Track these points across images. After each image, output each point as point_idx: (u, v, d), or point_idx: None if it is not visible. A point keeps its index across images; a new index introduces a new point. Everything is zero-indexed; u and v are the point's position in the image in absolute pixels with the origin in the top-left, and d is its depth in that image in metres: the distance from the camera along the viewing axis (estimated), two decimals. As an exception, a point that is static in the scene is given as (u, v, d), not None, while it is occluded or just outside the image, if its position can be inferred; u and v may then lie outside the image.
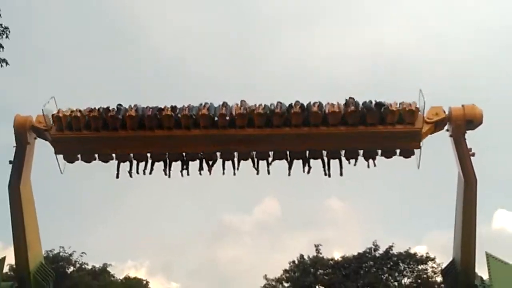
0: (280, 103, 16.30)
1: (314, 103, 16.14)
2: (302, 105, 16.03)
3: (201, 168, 17.00)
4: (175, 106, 16.28)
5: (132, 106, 16.42)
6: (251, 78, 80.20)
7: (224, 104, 16.41)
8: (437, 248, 52.59)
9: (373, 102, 15.95)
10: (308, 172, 16.89)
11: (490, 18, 76.06)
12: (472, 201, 15.96)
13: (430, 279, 40.69)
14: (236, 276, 60.55)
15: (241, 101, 16.52)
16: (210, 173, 17.08)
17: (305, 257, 43.52)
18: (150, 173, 17.05)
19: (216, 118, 16.11)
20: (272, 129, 16.19)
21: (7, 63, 17.69)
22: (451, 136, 16.15)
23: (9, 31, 17.65)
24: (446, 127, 16.27)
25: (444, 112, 16.14)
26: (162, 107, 16.26)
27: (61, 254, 41.15)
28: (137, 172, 17.01)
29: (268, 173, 16.96)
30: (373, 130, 15.99)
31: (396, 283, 41.49)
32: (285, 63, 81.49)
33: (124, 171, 17.05)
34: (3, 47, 17.58)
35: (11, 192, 16.42)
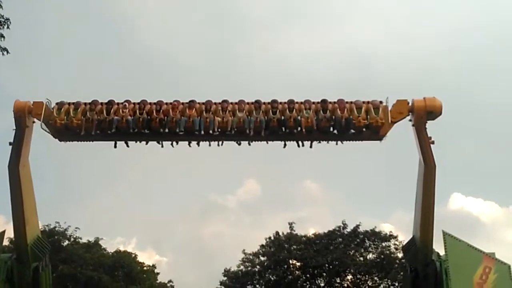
0: (259, 104, 16.77)
1: (290, 109, 16.58)
2: (279, 120, 16.54)
3: (189, 143, 17.34)
4: (162, 114, 16.59)
5: (122, 110, 16.67)
6: (235, 74, 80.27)
7: (208, 108, 16.69)
8: (402, 226, 53.53)
9: (344, 118, 16.35)
10: (284, 146, 17.37)
11: (457, 17, 76.69)
12: (431, 185, 16.26)
13: (392, 255, 41.02)
14: (218, 251, 60.87)
15: (223, 101, 16.95)
16: (198, 145, 17.34)
17: (280, 233, 43.73)
18: (146, 143, 17.46)
19: (201, 132, 16.52)
20: (251, 136, 16.76)
21: (8, 52, 17.46)
22: (413, 125, 16.45)
23: (10, 22, 17.42)
24: (409, 118, 16.56)
25: (408, 104, 16.47)
26: (150, 113, 16.64)
27: (56, 228, 40.89)
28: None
29: (249, 144, 17.35)
30: (342, 137, 16.82)
31: (361, 258, 41.84)
32: (265, 61, 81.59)
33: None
34: (4, 37, 17.36)
35: (11, 172, 16.41)
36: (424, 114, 16.09)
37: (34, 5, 76.11)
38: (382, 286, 41.71)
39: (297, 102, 16.86)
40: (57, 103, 16.92)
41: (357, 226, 42.40)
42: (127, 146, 17.36)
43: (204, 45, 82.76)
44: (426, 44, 75.46)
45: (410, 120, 16.54)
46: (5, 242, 17.67)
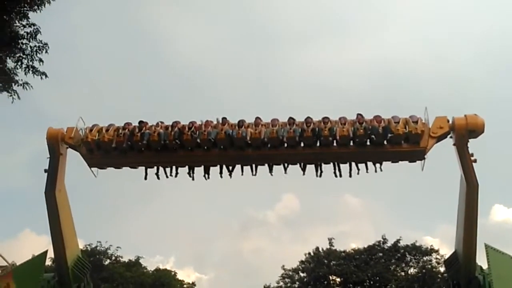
0: (293, 120, 16.34)
1: (325, 123, 16.11)
2: (313, 129, 16.05)
3: (221, 172, 17.05)
4: (194, 130, 16.31)
5: (154, 127, 16.52)
6: (266, 90, 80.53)
7: (240, 125, 16.41)
8: (447, 239, 52.31)
9: (381, 127, 15.85)
10: (320, 175, 16.86)
11: (489, 27, 75.49)
12: (473, 203, 15.74)
13: (434, 269, 40.35)
14: (258, 267, 60.81)
15: (256, 118, 16.66)
16: (230, 177, 17.09)
17: (320, 249, 43.41)
18: (176, 176, 17.17)
19: (233, 141, 16.14)
20: (286, 149, 16.32)
21: (46, 76, 17.93)
22: (454, 145, 15.90)
23: (48, 47, 17.89)
24: (449, 135, 16.07)
25: (448, 121, 15.94)
26: (182, 129, 16.35)
27: (98, 248, 41.46)
28: (166, 176, 17.15)
29: (285, 172, 16.90)
30: (380, 150, 16.09)
31: (403, 273, 41.21)
32: (295, 76, 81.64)
33: (152, 174, 17.20)
34: (42, 61, 17.83)
35: (48, 198, 16.56)
36: (465, 133, 15.46)
37: (70, 26, 77.83)
38: (424, 301, 40.96)
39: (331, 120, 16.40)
40: (89, 126, 16.88)
41: (398, 240, 41.92)
42: (158, 177, 17.10)
43: (239, 60, 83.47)
44: (459, 50, 74.50)
45: (451, 137, 15.98)
46: (48, 262, 17.89)
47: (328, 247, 43.15)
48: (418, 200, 62.70)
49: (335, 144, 16.16)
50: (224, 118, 16.72)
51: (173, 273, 44.17)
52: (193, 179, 17.16)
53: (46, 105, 72.57)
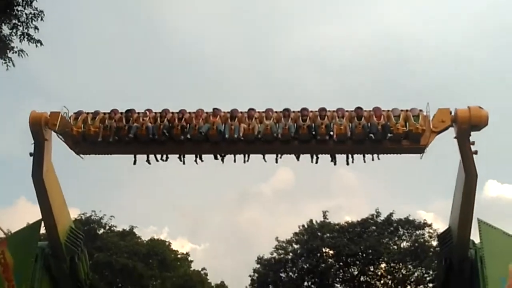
0: (288, 113, 15.99)
1: (322, 117, 15.76)
2: (309, 126, 15.75)
3: (215, 158, 16.90)
4: (184, 122, 15.97)
5: (142, 118, 16.20)
6: (267, 66, 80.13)
7: (233, 116, 16.03)
8: (442, 213, 52.62)
9: (380, 125, 15.61)
10: (316, 162, 16.69)
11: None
12: (471, 190, 15.69)
13: (426, 243, 40.70)
14: (253, 238, 61.33)
15: (249, 110, 16.28)
16: (223, 162, 16.91)
17: (314, 222, 43.68)
18: (166, 160, 17.00)
19: (226, 136, 15.80)
20: (280, 144, 16.03)
21: (41, 44, 17.75)
22: (455, 137, 15.53)
23: (44, 15, 17.68)
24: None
25: (451, 113, 15.58)
26: (171, 121, 16.01)
27: (92, 217, 41.54)
28: (156, 160, 16.98)
29: (276, 162, 16.65)
30: (379, 146, 15.96)
31: (395, 247, 41.59)
32: (297, 51, 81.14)
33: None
34: (38, 29, 17.65)
35: (35, 181, 16.36)
36: (468, 127, 15.01)
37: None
38: (416, 274, 41.43)
39: (329, 110, 16.10)
40: (74, 113, 16.68)
41: (391, 214, 42.15)
42: (149, 163, 16.93)
43: (236, 35, 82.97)
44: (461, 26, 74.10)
45: (452, 126, 15.58)
46: (42, 230, 17.97)
47: (322, 220, 43.49)
48: (413, 175, 62.92)
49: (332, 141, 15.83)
50: (215, 109, 16.33)
51: (167, 243, 44.48)
52: (183, 163, 16.96)
53: (42, 74, 72.11)
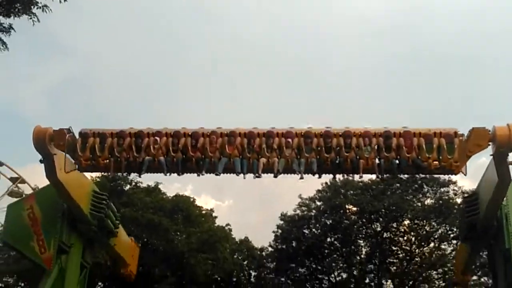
0: (310, 140, 15.38)
1: (346, 146, 15.17)
2: (332, 160, 15.34)
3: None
4: (200, 156, 15.70)
5: (152, 145, 15.97)
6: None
7: (251, 146, 15.61)
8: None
9: (410, 159, 14.98)
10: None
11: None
12: (502, 191, 15.30)
13: (451, 200, 40.53)
14: (276, 195, 61.65)
15: (268, 131, 15.80)
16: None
17: (337, 179, 43.37)
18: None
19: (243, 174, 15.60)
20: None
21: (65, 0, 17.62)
22: (491, 155, 14.67)
23: None
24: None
25: (489, 131, 14.62)
26: (185, 148, 15.80)
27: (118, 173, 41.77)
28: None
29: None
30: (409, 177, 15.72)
31: (419, 204, 41.52)
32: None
33: None
34: None
35: (51, 182, 16.59)
36: (507, 148, 13.90)
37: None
38: (440, 231, 41.49)
39: (354, 135, 15.34)
40: (80, 134, 16.37)
41: (416, 171, 41.60)
42: (165, 174, 16.38)
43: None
44: None
45: (489, 145, 14.70)
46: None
47: (345, 177, 43.30)
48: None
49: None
50: (232, 134, 15.84)
51: (191, 199, 44.92)
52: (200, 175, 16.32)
53: (64, 33, 72.00)
